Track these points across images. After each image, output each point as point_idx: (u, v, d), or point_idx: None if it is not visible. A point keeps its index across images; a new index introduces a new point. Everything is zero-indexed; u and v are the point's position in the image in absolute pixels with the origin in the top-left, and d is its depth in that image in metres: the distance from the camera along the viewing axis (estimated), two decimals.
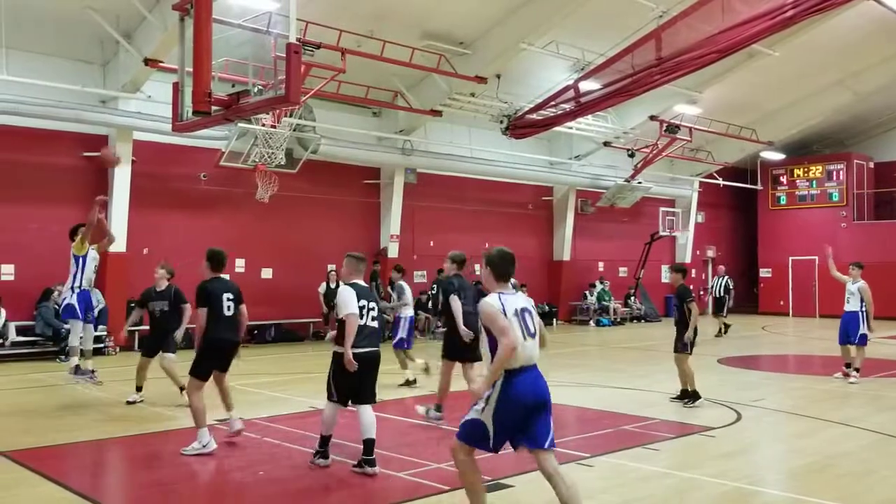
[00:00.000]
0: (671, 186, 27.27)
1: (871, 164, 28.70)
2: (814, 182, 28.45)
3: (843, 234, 27.39)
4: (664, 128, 22.03)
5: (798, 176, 28.82)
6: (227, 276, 7.79)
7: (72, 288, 9.74)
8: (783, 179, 29.14)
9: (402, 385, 11.25)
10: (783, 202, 29.17)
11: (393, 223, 20.46)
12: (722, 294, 20.84)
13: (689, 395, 9.77)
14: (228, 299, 7.39)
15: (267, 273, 18.57)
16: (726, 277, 21.26)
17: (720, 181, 27.27)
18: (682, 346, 9.75)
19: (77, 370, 9.88)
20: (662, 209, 26.23)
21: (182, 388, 9.43)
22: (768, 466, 7.20)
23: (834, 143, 29.51)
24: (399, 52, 16.28)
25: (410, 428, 8.59)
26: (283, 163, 16.61)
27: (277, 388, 11.44)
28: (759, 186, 29.32)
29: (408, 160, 19.96)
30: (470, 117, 20.01)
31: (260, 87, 9.76)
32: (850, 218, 27.66)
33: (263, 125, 15.78)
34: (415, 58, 16.63)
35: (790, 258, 28.19)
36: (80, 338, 9.91)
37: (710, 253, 29.39)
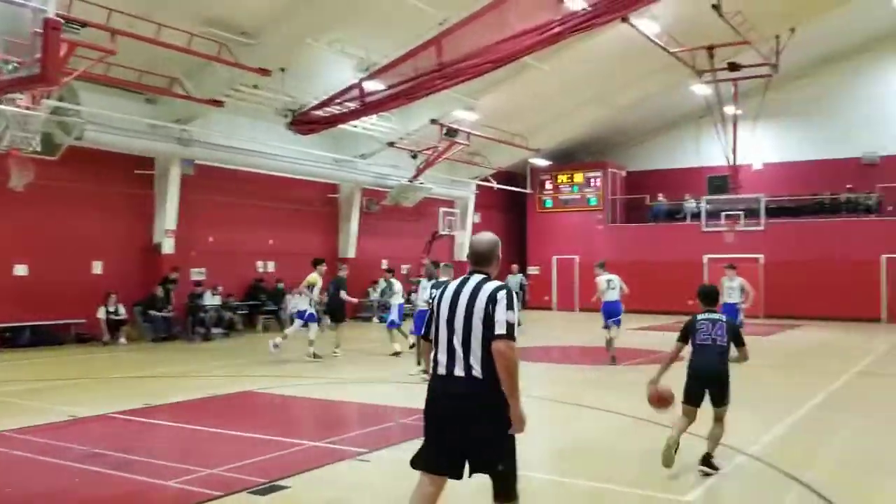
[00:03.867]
0: (451, 188, 27.96)
1: (624, 173, 31.17)
2: (575, 187, 30.43)
3: (599, 236, 29.70)
4: (444, 131, 22.55)
5: (562, 181, 30.70)
6: None
7: None
8: (549, 184, 30.88)
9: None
10: (549, 205, 30.91)
11: (168, 217, 19.20)
12: (517, 292, 22.25)
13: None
14: None
15: (21, 269, 16.68)
16: (520, 276, 22.47)
17: (494, 184, 28.29)
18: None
19: None
20: (443, 209, 26.79)
21: None
22: (531, 450, 7.51)
23: (594, 153, 31.56)
24: (177, 37, 15.29)
25: (181, 433, 8.08)
26: (38, 148, 14.95)
27: (32, 397, 10.28)
28: (528, 190, 30.82)
29: (186, 151, 18.82)
30: (253, 109, 19.28)
31: (14, 64, 8.72)
32: (605, 221, 29.80)
33: (18, 106, 14.10)
34: (194, 44, 15.69)
35: (554, 257, 30.11)
36: None
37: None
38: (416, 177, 24.24)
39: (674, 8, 19.34)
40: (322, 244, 23.91)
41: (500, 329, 3.88)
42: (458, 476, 4.05)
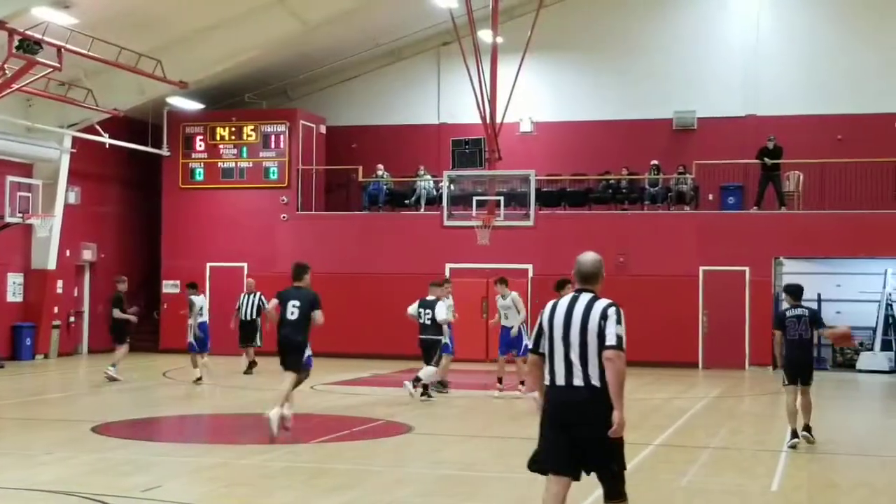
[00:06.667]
0: (27, 141, 26.93)
1: (323, 129, 32.05)
2: (245, 150, 30.75)
3: (283, 232, 30.13)
4: (16, 43, 21.42)
5: (222, 138, 30.85)
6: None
7: None
8: (200, 142, 30.97)
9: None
10: (200, 178, 30.98)
11: None
12: (254, 317, 24.33)
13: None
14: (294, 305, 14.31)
15: None
16: (259, 294, 23.89)
17: (106, 138, 27.71)
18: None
19: None
20: (11, 179, 25.79)
21: None
22: None
23: (275, 94, 32.25)
24: None
25: None
26: None
27: None
28: (165, 151, 30.59)
29: None
30: None
31: None
32: (294, 206, 30.39)
33: None
34: None
35: (209, 265, 30.24)
36: None
37: (89, 255, 29.79)
38: None
39: None
40: None
41: (610, 340, 6.97)
42: (578, 477, 7.14)
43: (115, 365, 21.94)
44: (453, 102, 30.68)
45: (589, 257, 7.42)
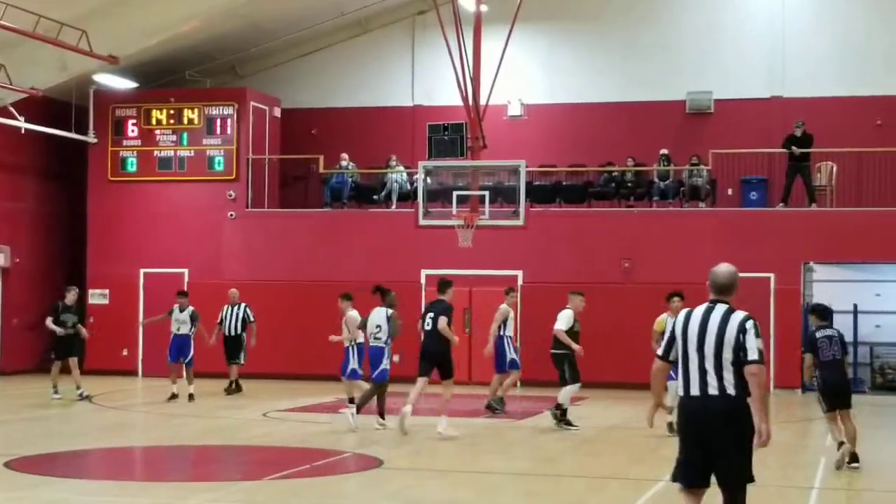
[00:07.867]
0: None
1: (278, 112, 31.32)
2: (185, 136, 29.94)
3: (230, 232, 29.63)
4: None
5: (158, 122, 30.13)
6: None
7: None
8: (133, 127, 30.30)
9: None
10: (133, 169, 30.27)
11: None
12: (239, 332, 24.78)
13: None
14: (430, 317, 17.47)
15: None
16: (244, 306, 24.93)
17: (22, 122, 27.48)
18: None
19: None
20: None
21: None
22: None
23: (221, 71, 31.87)
24: None
25: None
26: None
27: None
28: (92, 137, 30.00)
29: None
30: None
31: None
32: (243, 202, 29.71)
33: None
34: None
35: (143, 271, 29.70)
36: None
37: (1, 259, 29.28)
38: None
39: None
40: None
41: (752, 355, 7.88)
42: (708, 484, 8.11)
43: (55, 387, 22.46)
44: (430, 81, 30.62)
45: (723, 269, 8.24)
